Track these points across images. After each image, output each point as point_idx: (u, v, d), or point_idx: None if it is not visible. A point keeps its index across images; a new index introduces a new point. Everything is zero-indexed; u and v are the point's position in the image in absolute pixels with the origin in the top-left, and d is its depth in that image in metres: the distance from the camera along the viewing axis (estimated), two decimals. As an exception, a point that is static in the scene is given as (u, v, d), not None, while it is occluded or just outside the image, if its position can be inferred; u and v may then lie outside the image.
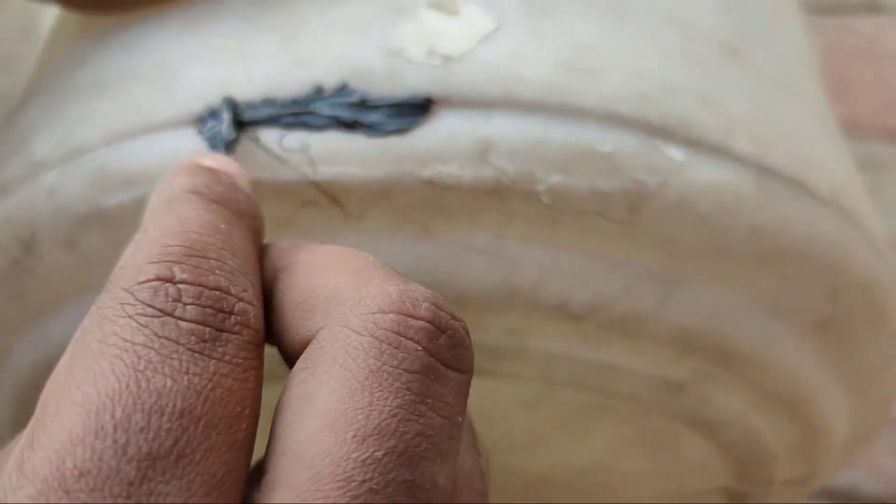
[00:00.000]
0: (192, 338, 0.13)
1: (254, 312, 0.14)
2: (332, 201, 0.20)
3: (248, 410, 0.13)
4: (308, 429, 0.12)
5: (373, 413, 0.12)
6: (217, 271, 0.14)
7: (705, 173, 0.21)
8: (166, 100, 0.21)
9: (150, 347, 0.12)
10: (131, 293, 0.13)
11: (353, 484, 0.12)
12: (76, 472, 0.11)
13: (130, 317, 0.13)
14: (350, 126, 0.20)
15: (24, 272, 0.23)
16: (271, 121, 0.21)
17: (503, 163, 0.20)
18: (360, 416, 0.12)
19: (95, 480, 0.11)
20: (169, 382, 0.12)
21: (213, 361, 0.13)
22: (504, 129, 0.20)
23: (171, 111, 0.21)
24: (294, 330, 0.14)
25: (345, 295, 0.14)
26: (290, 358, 0.14)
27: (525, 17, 0.22)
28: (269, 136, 0.20)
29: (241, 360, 0.13)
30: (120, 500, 0.11)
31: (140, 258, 0.14)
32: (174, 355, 0.12)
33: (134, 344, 0.12)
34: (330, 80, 0.21)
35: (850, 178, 0.26)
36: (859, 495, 0.47)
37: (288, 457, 0.12)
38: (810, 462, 0.29)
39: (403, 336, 0.13)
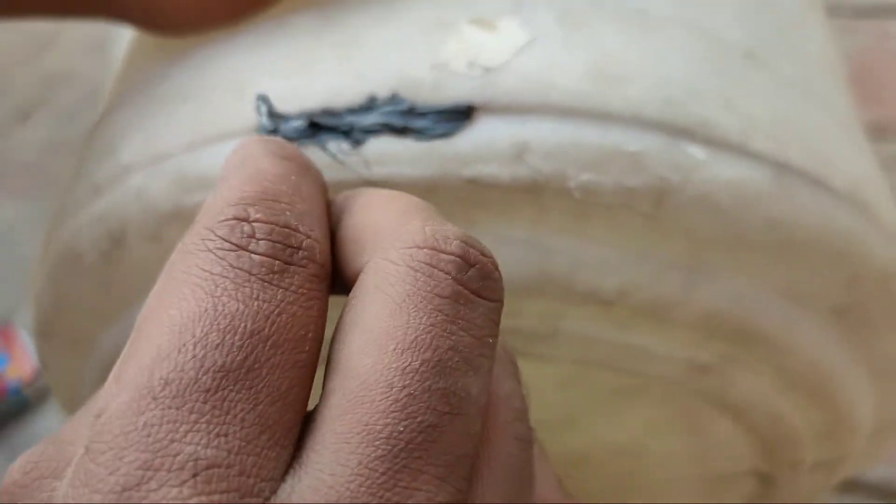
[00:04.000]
0: (263, 269, 0.14)
1: (319, 248, 0.15)
2: (385, 198, 0.23)
3: (311, 335, 0.15)
4: (355, 345, 0.14)
5: (409, 329, 0.14)
6: (287, 212, 0.15)
7: (725, 170, 0.23)
8: (239, 109, 0.24)
9: (226, 277, 0.14)
10: (211, 230, 0.15)
11: (394, 390, 0.13)
12: (162, 382, 0.13)
13: (210, 251, 0.14)
14: (400, 131, 0.23)
15: (113, 265, 0.26)
16: (331, 127, 0.23)
17: (538, 163, 0.22)
18: (398, 333, 0.14)
19: (178, 388, 0.13)
20: (241, 307, 0.14)
21: (281, 290, 0.14)
22: (539, 132, 0.22)
23: (242, 120, 0.24)
24: (348, 264, 0.16)
25: (387, 232, 0.16)
26: (348, 289, 0.16)
27: (558, 30, 0.24)
28: (330, 141, 0.23)
29: (305, 291, 0.15)
30: (198, 405, 0.13)
31: (220, 202, 0.16)
32: (246, 284, 0.14)
33: (212, 274, 0.14)
34: (382, 91, 0.23)
35: (869, 174, 0.27)
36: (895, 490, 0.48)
37: (340, 370, 0.14)
38: (836, 446, 0.30)
39: (435, 267, 0.15)
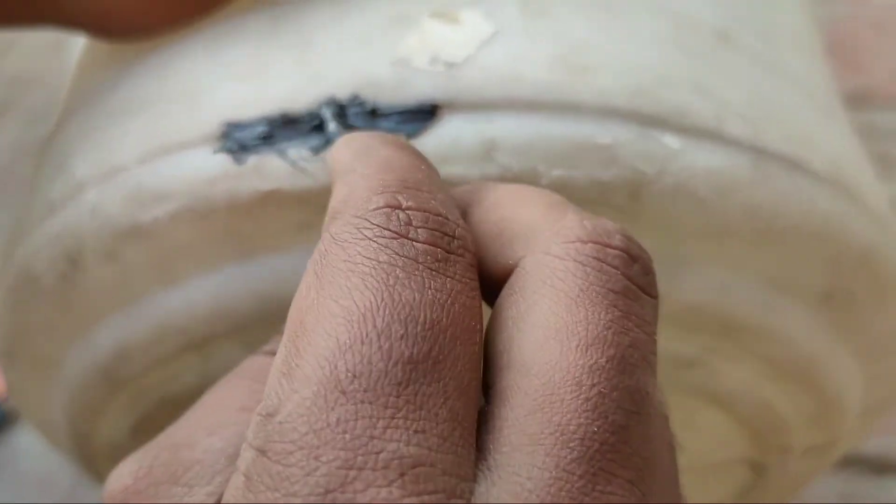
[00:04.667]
0: (428, 257, 0.14)
1: (469, 237, 0.15)
2: (349, 205, 0.22)
3: (478, 325, 0.14)
4: (530, 342, 0.13)
5: (590, 325, 0.13)
6: (432, 201, 0.15)
7: (701, 158, 0.22)
8: (192, 119, 0.23)
9: (395, 265, 0.13)
10: (366, 219, 0.14)
11: (584, 388, 0.13)
12: (350, 375, 0.12)
13: (370, 239, 0.14)
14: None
15: (71, 286, 0.25)
16: (291, 133, 0.22)
17: (507, 160, 0.21)
18: (579, 328, 0.13)
19: (368, 381, 0.12)
20: (417, 296, 0.13)
21: (448, 279, 0.14)
22: (506, 128, 0.21)
23: (196, 129, 0.23)
24: (493, 259, 0.15)
25: (542, 226, 0.15)
26: (488, 285, 0.15)
27: (522, 19, 0.23)
28: (289, 148, 0.22)
29: (468, 280, 0.14)
30: (391, 399, 0.12)
31: (362, 190, 0.15)
32: (416, 272, 0.13)
33: (380, 262, 0.13)
34: (342, 92, 0.22)
35: (850, 153, 0.26)
36: (891, 461, 0.48)
37: (515, 368, 0.13)
38: (827, 430, 0.30)
39: (603, 262, 0.14)
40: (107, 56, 0.28)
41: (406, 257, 0.14)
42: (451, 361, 0.13)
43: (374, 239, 0.14)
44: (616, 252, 0.14)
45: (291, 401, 0.12)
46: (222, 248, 0.23)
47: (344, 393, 0.12)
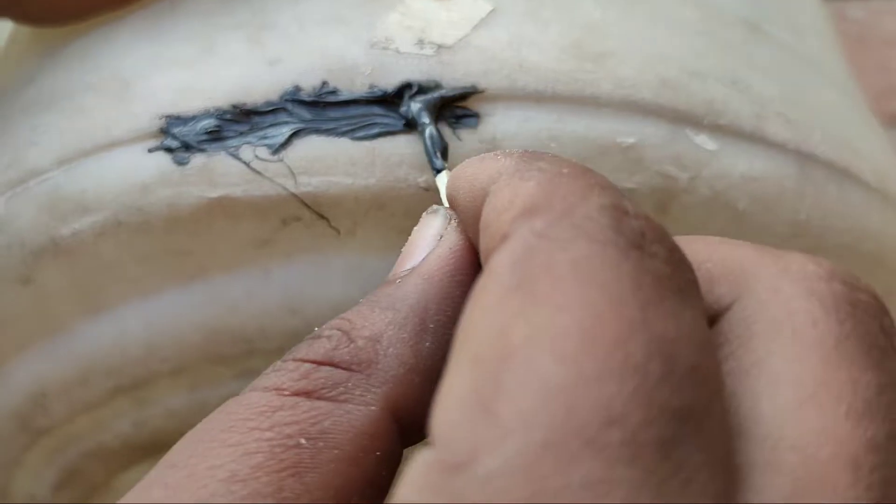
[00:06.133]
0: (672, 283, 0.10)
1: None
2: (317, 216, 0.18)
3: (723, 382, 0.11)
4: (774, 405, 0.10)
5: (859, 388, 0.10)
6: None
7: (740, 163, 0.19)
8: (123, 112, 0.19)
9: (642, 283, 0.10)
10: (589, 217, 0.11)
11: (863, 471, 0.10)
12: (602, 420, 0.09)
13: (603, 243, 0.10)
14: (333, 130, 0.18)
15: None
16: (244, 128, 0.18)
17: (511, 163, 0.18)
18: (845, 391, 0.10)
19: (625, 433, 0.09)
20: (675, 329, 0.10)
21: (696, 313, 0.10)
22: (510, 125, 0.18)
23: (127, 124, 0.19)
24: None
25: (758, 263, 0.12)
26: None
27: (525, -1, 0.19)
28: (243, 146, 0.18)
29: (705, 321, 0.11)
30: (658, 463, 0.09)
31: (570, 186, 0.11)
32: (667, 298, 0.10)
33: (621, 273, 0.10)
34: (308, 80, 0.18)
35: (891, 160, 0.23)
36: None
37: (756, 437, 0.10)
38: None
39: (856, 308, 0.11)
40: (28, 43, 0.23)
41: (652, 275, 0.10)
42: (715, 424, 0.10)
43: (608, 244, 0.10)
44: (868, 299, 0.11)
45: (503, 448, 0.09)
46: (159, 270, 0.19)
47: (591, 444, 0.09)
